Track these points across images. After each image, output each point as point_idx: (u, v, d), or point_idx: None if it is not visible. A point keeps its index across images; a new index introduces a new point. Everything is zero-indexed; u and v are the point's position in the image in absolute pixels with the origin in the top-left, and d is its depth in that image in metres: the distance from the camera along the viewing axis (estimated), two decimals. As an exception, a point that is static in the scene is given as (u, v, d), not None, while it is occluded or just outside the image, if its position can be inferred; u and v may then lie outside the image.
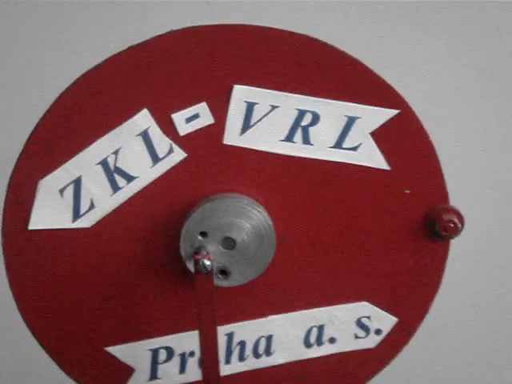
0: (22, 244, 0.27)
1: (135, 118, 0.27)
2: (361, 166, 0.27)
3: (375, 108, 0.27)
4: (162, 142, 0.27)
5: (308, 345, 0.29)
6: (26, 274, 0.27)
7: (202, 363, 0.27)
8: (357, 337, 0.29)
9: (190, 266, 0.27)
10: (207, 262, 0.26)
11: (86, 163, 0.27)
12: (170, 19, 0.67)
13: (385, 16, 0.75)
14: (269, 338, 0.29)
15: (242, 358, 0.29)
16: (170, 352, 0.28)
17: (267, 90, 0.27)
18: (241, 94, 0.27)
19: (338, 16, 0.73)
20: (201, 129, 0.27)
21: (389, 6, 0.73)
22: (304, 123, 0.27)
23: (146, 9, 0.63)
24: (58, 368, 0.29)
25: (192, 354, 0.29)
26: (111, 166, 0.27)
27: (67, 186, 0.27)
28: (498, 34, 0.77)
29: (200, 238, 0.27)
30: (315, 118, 0.27)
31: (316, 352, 0.29)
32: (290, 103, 0.27)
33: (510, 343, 0.80)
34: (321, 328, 0.28)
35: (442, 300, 0.31)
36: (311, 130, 0.27)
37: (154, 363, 0.29)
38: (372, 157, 0.27)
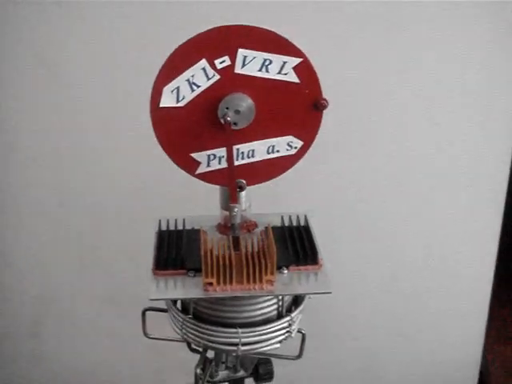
0: (158, 112, 0.68)
1: (200, 62, 0.66)
2: (288, 80, 0.67)
3: (294, 58, 0.67)
4: (210, 71, 0.67)
5: (268, 153, 0.71)
6: (161, 126, 0.68)
7: (227, 160, 0.68)
8: (287, 150, 0.70)
9: (222, 121, 0.67)
10: (228, 119, 0.67)
11: (181, 80, 0.67)
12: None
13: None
14: (253, 150, 0.70)
15: (242, 158, 0.71)
16: (214, 156, 0.70)
17: (250, 51, 0.66)
18: (241, 52, 0.66)
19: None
20: (225, 66, 0.67)
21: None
22: (266, 64, 0.67)
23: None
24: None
25: (223, 156, 0.70)
26: (190, 81, 0.67)
27: (174, 89, 0.67)
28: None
29: (226, 109, 0.68)
30: (270, 62, 0.67)
31: (270, 156, 0.71)
32: (260, 55, 0.67)
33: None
34: (273, 146, 0.70)
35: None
36: (269, 66, 0.67)
37: (208, 161, 0.70)
38: (293, 77, 0.67)
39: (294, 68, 0.67)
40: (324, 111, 0.68)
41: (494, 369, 1.39)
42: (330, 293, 0.66)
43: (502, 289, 1.44)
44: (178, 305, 0.73)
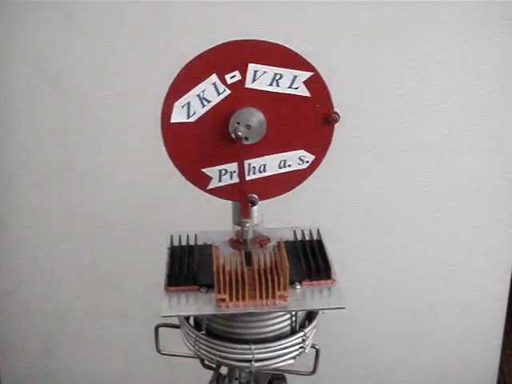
0: (169, 127, 0.68)
1: (211, 77, 0.67)
2: (299, 95, 0.67)
3: (305, 72, 0.67)
4: (220, 86, 0.67)
5: (279, 167, 0.70)
6: (172, 141, 0.68)
7: (239, 175, 0.68)
8: (299, 164, 0.70)
9: (233, 135, 0.67)
10: (239, 133, 0.67)
11: (191, 95, 0.67)
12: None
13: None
14: (264, 165, 0.70)
15: (254, 173, 0.70)
16: (226, 171, 0.70)
17: (261, 65, 0.66)
18: (251, 67, 0.66)
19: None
20: (236, 81, 0.67)
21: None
22: (276, 78, 0.67)
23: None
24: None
25: (234, 171, 0.70)
26: (201, 96, 0.67)
27: (185, 104, 0.67)
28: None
29: (237, 124, 0.68)
30: (281, 76, 0.67)
31: (282, 170, 0.70)
32: (271, 70, 0.67)
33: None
34: (285, 160, 0.70)
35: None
36: (279, 80, 0.67)
37: (220, 176, 0.70)
38: (303, 91, 0.67)
39: (305, 82, 0.67)
40: (336, 125, 0.68)
41: (510, 382, 1.37)
42: (343, 308, 0.65)
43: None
44: (191, 321, 0.72)
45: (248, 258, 0.70)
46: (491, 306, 1.30)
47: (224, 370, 0.76)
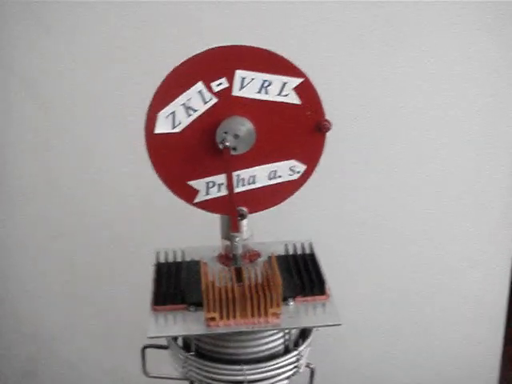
0: (153, 138, 0.65)
1: (197, 85, 0.64)
2: (289, 102, 0.65)
3: (295, 78, 0.64)
4: (207, 95, 0.64)
5: (270, 178, 0.67)
6: (156, 153, 0.65)
7: (227, 187, 0.65)
8: (290, 175, 0.67)
9: (221, 146, 0.64)
10: (227, 144, 0.64)
11: (176, 104, 0.64)
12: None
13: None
14: (254, 176, 0.67)
15: (243, 185, 0.67)
16: (213, 183, 0.67)
17: (249, 72, 0.64)
18: (239, 74, 0.64)
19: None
20: (223, 88, 0.64)
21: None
22: (265, 85, 0.64)
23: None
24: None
25: (222, 184, 0.67)
26: (186, 105, 0.64)
27: (169, 114, 0.64)
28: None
29: (224, 134, 0.65)
30: (270, 83, 0.64)
31: (272, 181, 0.67)
32: (259, 77, 0.64)
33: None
34: (275, 171, 0.67)
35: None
36: (268, 88, 0.64)
37: (207, 188, 0.67)
38: (293, 98, 0.65)
39: (295, 89, 0.64)
40: (328, 133, 0.65)
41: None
42: (339, 325, 0.62)
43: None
44: (179, 341, 0.69)
45: (238, 274, 0.67)
46: (490, 319, 1.28)
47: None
